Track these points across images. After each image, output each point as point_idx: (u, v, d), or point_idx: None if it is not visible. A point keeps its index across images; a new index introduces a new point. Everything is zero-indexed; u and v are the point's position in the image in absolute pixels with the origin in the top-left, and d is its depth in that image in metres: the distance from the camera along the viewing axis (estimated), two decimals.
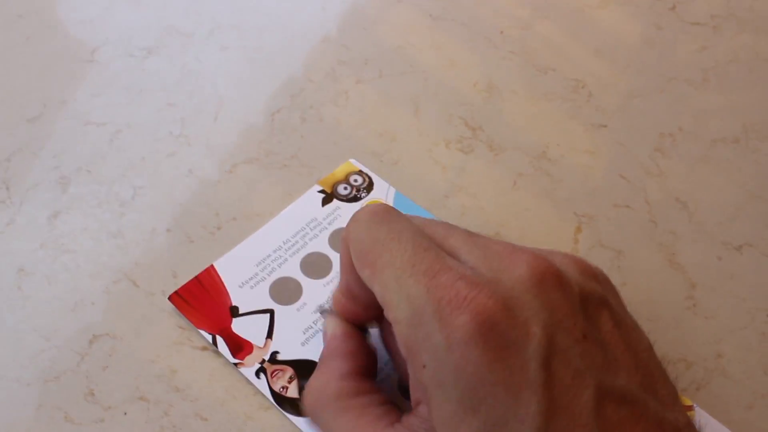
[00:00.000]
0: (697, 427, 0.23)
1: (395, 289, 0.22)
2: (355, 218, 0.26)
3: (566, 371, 0.20)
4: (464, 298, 0.21)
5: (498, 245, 0.23)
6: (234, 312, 0.32)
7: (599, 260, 0.36)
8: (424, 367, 0.21)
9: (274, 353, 0.31)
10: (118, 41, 0.43)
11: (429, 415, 0.22)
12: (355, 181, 0.37)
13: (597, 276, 0.25)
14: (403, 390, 0.30)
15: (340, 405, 0.25)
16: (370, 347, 0.28)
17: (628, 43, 0.48)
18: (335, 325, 0.28)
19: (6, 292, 0.32)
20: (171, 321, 0.32)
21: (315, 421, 0.27)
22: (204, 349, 0.31)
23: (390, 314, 0.23)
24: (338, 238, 0.35)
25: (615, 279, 0.35)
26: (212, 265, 0.33)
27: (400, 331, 0.22)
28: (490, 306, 0.20)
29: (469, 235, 0.25)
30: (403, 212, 0.35)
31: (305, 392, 0.27)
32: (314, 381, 0.27)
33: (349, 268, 0.26)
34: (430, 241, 0.23)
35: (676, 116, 0.44)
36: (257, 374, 0.30)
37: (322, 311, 0.31)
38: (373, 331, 0.29)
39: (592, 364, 0.21)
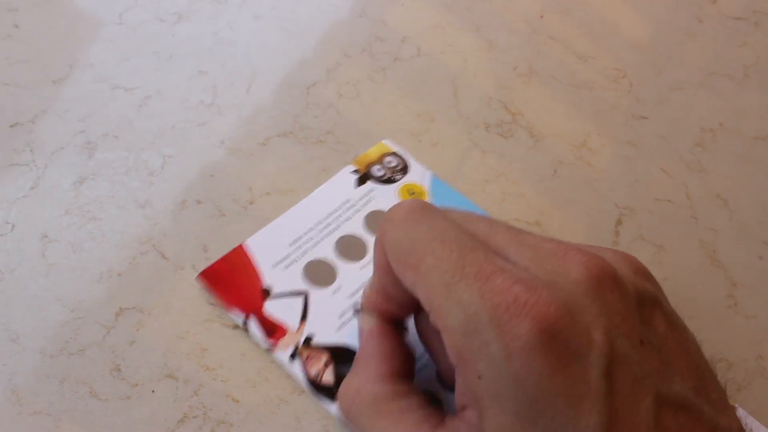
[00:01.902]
0: (747, 431, 0.22)
1: (444, 295, 0.21)
2: (389, 217, 0.24)
3: (626, 379, 0.19)
4: (524, 303, 0.19)
5: (548, 243, 0.22)
6: (266, 293, 0.30)
7: (640, 254, 0.35)
8: (479, 378, 0.20)
9: (309, 337, 0.29)
10: (148, 4, 0.42)
11: (480, 424, 0.20)
12: (390, 162, 0.36)
13: (648, 275, 0.24)
14: (442, 380, 0.29)
15: (376, 409, 0.24)
16: (408, 347, 0.26)
17: (669, 34, 0.47)
18: (372, 324, 0.26)
19: (29, 259, 0.31)
20: (201, 297, 0.30)
21: (351, 423, 0.25)
22: (236, 327, 0.30)
23: (439, 322, 0.21)
24: (373, 221, 0.33)
25: (656, 274, 0.35)
26: (243, 244, 0.32)
27: (451, 340, 0.21)
28: (552, 312, 0.19)
29: (515, 232, 0.23)
30: (441, 197, 0.35)
31: (340, 394, 0.26)
32: (350, 383, 0.25)
33: (385, 269, 0.24)
34: (475, 240, 0.22)
35: (716, 112, 0.43)
36: (291, 359, 0.29)
37: (357, 309, 0.29)
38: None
39: (650, 370, 0.20)
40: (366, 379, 0.25)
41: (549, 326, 0.19)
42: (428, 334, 0.26)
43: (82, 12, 0.41)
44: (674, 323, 0.23)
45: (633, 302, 0.21)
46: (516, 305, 0.19)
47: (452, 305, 0.20)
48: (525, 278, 0.20)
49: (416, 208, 0.23)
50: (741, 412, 0.30)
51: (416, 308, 0.26)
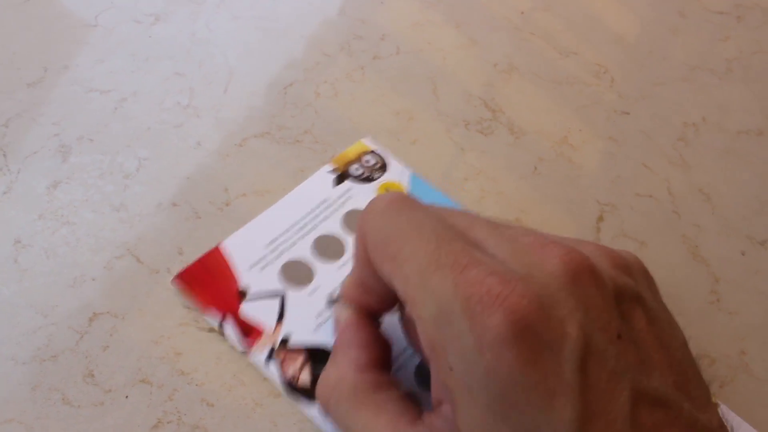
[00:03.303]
0: (728, 428, 0.22)
1: (419, 284, 0.21)
2: (370, 208, 0.24)
3: (601, 374, 0.19)
4: (497, 295, 0.19)
5: (526, 237, 0.22)
6: (242, 295, 0.30)
7: None
8: (450, 369, 0.20)
9: (285, 338, 0.29)
10: (124, 6, 0.41)
11: (454, 417, 0.20)
12: (368, 161, 0.36)
13: (630, 267, 0.24)
14: (420, 380, 0.28)
15: (356, 400, 0.24)
16: (384, 337, 0.26)
17: (651, 29, 0.47)
18: (349, 314, 0.26)
19: (1, 264, 0.30)
20: (176, 300, 0.30)
21: (328, 413, 0.25)
22: (211, 330, 0.29)
23: (414, 311, 0.21)
24: (351, 220, 0.33)
25: None
26: (219, 246, 0.31)
27: (424, 330, 0.21)
28: (525, 305, 0.19)
29: (494, 225, 0.23)
30: (420, 195, 0.35)
31: (319, 383, 0.25)
32: (329, 372, 0.25)
33: (363, 260, 0.24)
34: (454, 232, 0.22)
35: (699, 106, 0.42)
36: (267, 360, 0.28)
37: (333, 300, 0.28)
38: (389, 319, 0.28)
39: (626, 365, 0.20)
40: (346, 368, 0.25)
41: (521, 319, 0.19)
42: (410, 326, 0.26)
43: (58, 14, 0.40)
44: (656, 319, 0.22)
45: (611, 296, 0.21)
46: (489, 297, 0.19)
47: (426, 295, 0.20)
48: (499, 271, 0.20)
49: (396, 199, 0.23)
50: (723, 409, 0.30)
51: (393, 302, 0.26)
